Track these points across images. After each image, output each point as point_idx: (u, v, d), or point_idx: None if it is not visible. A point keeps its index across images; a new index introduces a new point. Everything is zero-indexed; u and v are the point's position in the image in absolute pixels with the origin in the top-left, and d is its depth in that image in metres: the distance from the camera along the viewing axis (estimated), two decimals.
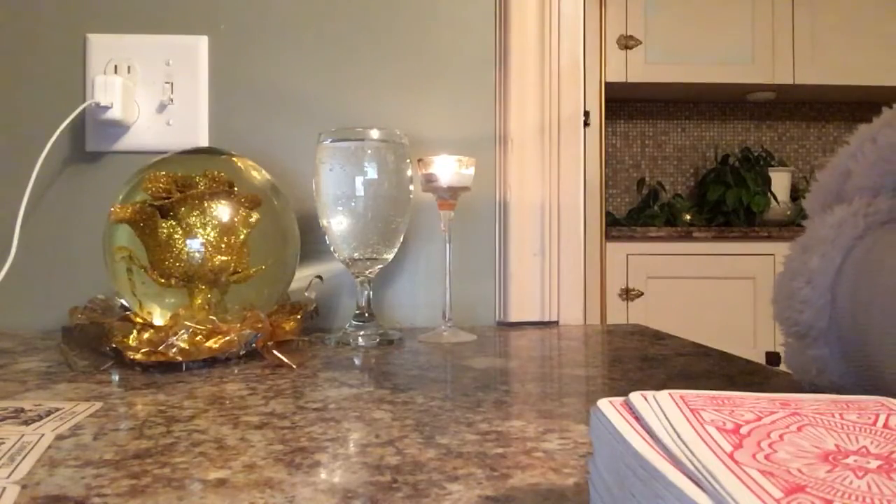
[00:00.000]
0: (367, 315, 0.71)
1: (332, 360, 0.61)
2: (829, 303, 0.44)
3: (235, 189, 0.65)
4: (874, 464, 0.19)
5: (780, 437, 0.21)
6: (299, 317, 0.67)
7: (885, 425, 0.22)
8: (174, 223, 0.62)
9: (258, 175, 0.71)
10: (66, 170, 0.81)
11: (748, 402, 0.24)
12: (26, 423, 0.40)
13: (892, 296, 0.40)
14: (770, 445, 0.20)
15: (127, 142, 0.81)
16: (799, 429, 0.22)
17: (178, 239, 0.62)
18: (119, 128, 0.81)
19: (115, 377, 0.54)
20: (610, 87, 2.36)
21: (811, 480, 0.18)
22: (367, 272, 0.71)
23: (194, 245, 0.62)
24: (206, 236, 0.62)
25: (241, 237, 0.64)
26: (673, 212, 2.70)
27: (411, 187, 0.73)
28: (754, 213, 2.61)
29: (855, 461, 0.19)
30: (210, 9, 0.83)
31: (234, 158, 0.71)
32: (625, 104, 2.90)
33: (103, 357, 0.57)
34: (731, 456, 0.20)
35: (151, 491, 0.29)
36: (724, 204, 2.63)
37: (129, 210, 0.62)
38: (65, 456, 0.34)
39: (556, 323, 0.85)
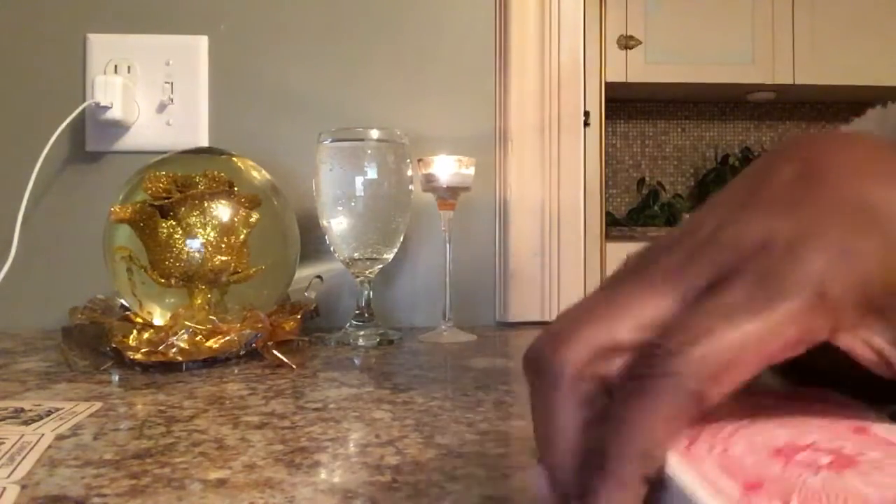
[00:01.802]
0: (367, 315, 0.71)
1: (332, 360, 0.61)
2: None
3: (235, 189, 0.65)
4: (825, 460, 0.19)
5: (735, 431, 0.21)
6: (299, 317, 0.67)
7: (833, 419, 0.22)
8: (174, 223, 0.62)
9: (258, 175, 0.71)
10: (66, 170, 0.81)
11: None
12: (26, 423, 0.40)
13: None
14: (725, 440, 0.20)
15: (127, 142, 0.81)
16: (751, 422, 0.22)
17: (178, 239, 0.62)
18: (119, 128, 0.81)
19: (115, 377, 0.54)
20: (610, 87, 2.36)
21: (767, 477, 0.18)
22: (367, 272, 0.71)
23: (194, 245, 0.62)
24: (206, 236, 0.62)
25: (241, 237, 0.64)
26: (673, 212, 2.70)
27: (411, 187, 0.73)
28: None
29: (807, 457, 0.19)
30: (210, 9, 0.83)
31: (234, 158, 0.71)
32: (625, 104, 2.90)
33: (103, 357, 0.57)
34: (687, 450, 0.19)
35: (151, 491, 0.29)
36: None
37: (129, 210, 0.62)
38: (65, 456, 0.34)
39: None
